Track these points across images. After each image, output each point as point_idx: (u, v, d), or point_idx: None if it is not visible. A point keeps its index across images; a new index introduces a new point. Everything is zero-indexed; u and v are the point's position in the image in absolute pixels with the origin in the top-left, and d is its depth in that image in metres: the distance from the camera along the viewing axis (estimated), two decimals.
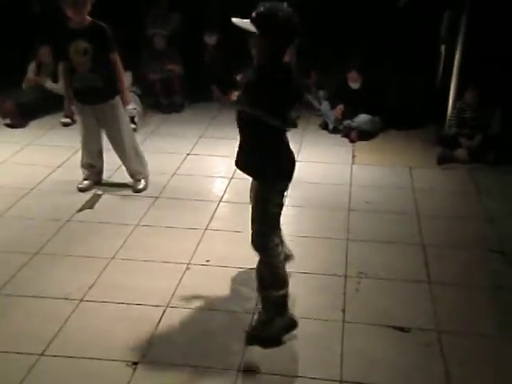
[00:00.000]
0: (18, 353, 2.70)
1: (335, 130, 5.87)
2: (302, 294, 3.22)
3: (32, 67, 6.18)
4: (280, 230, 3.01)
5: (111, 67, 4.09)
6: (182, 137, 5.68)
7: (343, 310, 3.07)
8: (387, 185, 4.73)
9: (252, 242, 2.78)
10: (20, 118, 5.80)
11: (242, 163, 2.79)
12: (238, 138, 2.76)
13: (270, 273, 2.77)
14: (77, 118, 4.41)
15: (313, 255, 3.61)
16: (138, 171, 4.46)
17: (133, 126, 5.33)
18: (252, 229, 2.79)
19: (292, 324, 2.83)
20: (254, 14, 2.50)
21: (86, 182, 4.42)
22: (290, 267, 3.41)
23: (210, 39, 6.81)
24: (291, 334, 2.84)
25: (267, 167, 2.70)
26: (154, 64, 6.47)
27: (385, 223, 4.07)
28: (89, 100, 4.15)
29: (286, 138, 2.73)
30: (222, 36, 6.70)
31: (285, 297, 2.80)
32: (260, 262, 2.79)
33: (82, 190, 4.37)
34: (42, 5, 7.07)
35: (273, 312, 2.80)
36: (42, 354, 2.69)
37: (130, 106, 4.68)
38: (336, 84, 6.13)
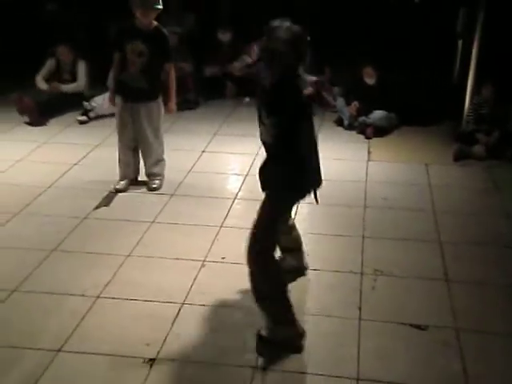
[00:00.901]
0: (36, 349, 2.73)
1: (350, 127, 5.85)
2: (317, 291, 3.22)
3: (49, 65, 6.19)
4: (298, 241, 3.09)
5: (161, 73, 4.23)
6: (197, 134, 5.69)
7: (359, 308, 3.05)
8: (403, 181, 4.70)
9: (248, 246, 2.69)
10: (39, 116, 5.84)
11: (259, 171, 2.77)
12: (259, 138, 2.77)
13: (266, 282, 2.67)
14: (116, 112, 4.44)
15: (328, 252, 3.60)
16: (156, 173, 4.52)
17: None
18: (251, 234, 2.70)
19: (297, 337, 2.72)
20: (288, 35, 2.45)
21: (122, 182, 4.44)
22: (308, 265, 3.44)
23: (224, 36, 6.81)
24: (309, 332, 2.83)
25: (277, 180, 2.65)
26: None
27: (401, 220, 4.04)
28: (131, 98, 4.23)
29: (307, 150, 2.67)
30: (236, 33, 6.70)
31: (284, 308, 2.71)
32: (254, 271, 2.68)
33: (118, 191, 4.39)
34: (58, 3, 7.11)
35: (272, 322, 2.72)
36: (59, 350, 2.72)
37: None
38: (351, 80, 6.10)
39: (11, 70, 6.61)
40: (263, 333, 2.74)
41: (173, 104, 4.39)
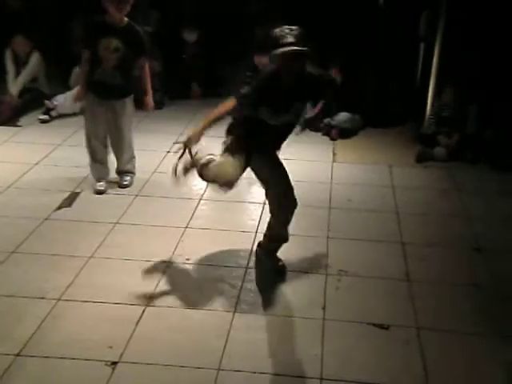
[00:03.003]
0: None
1: (316, 129, 5.86)
2: (282, 291, 3.23)
3: (10, 65, 5.96)
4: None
5: (135, 69, 4.19)
6: (163, 134, 5.64)
7: (323, 308, 3.08)
8: (367, 183, 4.76)
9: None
10: (13, 116, 5.66)
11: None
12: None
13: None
14: (85, 109, 4.36)
15: (293, 253, 3.60)
16: (129, 170, 4.49)
17: None
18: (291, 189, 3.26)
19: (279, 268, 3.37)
20: (294, 37, 2.83)
21: (102, 183, 4.35)
22: None
23: (190, 36, 6.77)
24: (270, 332, 2.84)
25: None
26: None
27: (365, 221, 4.09)
28: (105, 95, 4.16)
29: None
30: (202, 32, 6.67)
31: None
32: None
33: (100, 193, 4.30)
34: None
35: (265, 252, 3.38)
36: (18, 355, 2.65)
37: None
38: None
39: None
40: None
41: (150, 98, 4.34)
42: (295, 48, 2.83)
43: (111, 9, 3.96)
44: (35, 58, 5.97)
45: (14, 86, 5.85)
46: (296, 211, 4.14)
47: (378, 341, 2.86)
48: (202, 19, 6.78)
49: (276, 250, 3.44)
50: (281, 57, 2.88)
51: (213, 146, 3.23)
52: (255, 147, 3.11)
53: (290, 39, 2.84)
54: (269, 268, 3.40)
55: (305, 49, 2.87)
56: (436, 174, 5.00)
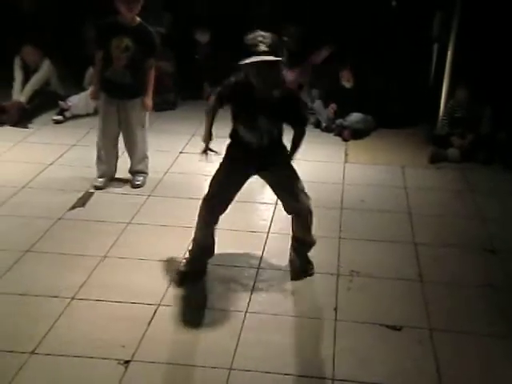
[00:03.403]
0: (8, 351, 2.68)
1: (327, 129, 5.88)
2: (293, 292, 3.23)
3: (19, 74, 5.98)
4: None
5: (145, 69, 4.20)
6: (175, 134, 5.66)
7: (335, 309, 3.07)
8: (380, 183, 4.74)
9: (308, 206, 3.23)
10: (22, 119, 5.70)
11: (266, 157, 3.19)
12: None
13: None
14: (99, 108, 4.40)
15: None
16: (141, 170, 4.51)
17: None
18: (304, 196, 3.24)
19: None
20: (267, 46, 2.75)
21: (101, 180, 4.39)
22: (283, 265, 3.45)
23: (202, 37, 6.79)
24: (282, 332, 2.85)
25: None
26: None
27: (378, 222, 4.07)
28: (115, 94, 4.21)
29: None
30: (214, 33, 6.69)
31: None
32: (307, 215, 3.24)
33: (98, 188, 4.35)
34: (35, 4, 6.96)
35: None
36: (32, 353, 2.67)
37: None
38: (329, 83, 6.13)
39: None
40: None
41: (149, 99, 4.34)
42: (266, 58, 2.72)
43: (122, 8, 4.01)
44: (46, 66, 6.00)
45: (22, 94, 5.85)
46: None
47: (391, 342, 2.85)
48: (214, 20, 6.80)
49: None
50: (250, 67, 2.78)
51: None
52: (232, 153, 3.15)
53: (263, 48, 2.73)
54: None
55: (277, 59, 2.75)
56: (449, 174, 4.97)
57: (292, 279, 3.34)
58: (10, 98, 5.85)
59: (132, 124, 4.31)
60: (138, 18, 4.13)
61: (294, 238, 3.40)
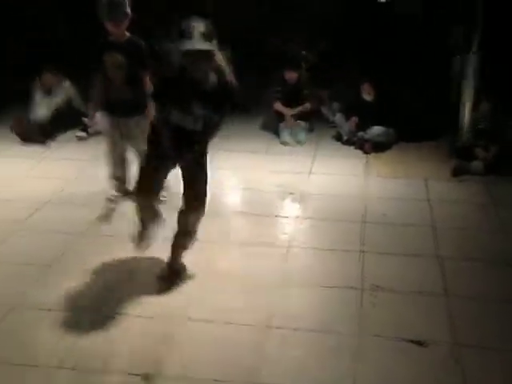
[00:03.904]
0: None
1: (349, 142, 5.86)
2: (317, 307, 3.20)
3: (37, 91, 6.09)
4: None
5: (142, 84, 4.16)
6: None
7: (358, 324, 3.03)
8: (402, 197, 4.69)
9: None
10: (39, 135, 5.81)
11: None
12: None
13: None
14: (104, 128, 4.43)
15: (328, 268, 3.58)
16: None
17: None
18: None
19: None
20: (202, 35, 2.76)
21: (114, 194, 4.44)
22: (305, 280, 3.42)
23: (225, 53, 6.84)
24: (305, 347, 2.82)
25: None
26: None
27: (401, 235, 4.03)
28: (119, 112, 4.22)
29: None
30: (239, 50, 6.74)
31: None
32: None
33: (111, 201, 4.40)
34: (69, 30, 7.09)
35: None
36: (59, 367, 2.69)
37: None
38: (350, 96, 6.13)
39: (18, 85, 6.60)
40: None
41: (151, 111, 4.10)
42: (196, 48, 2.76)
43: (109, 26, 4.00)
44: (66, 88, 6.11)
45: (40, 113, 5.98)
46: (330, 225, 4.16)
47: (416, 358, 2.80)
48: (229, 35, 6.85)
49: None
50: (181, 54, 2.81)
51: None
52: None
53: (195, 35, 2.75)
54: None
55: (208, 48, 2.80)
56: (473, 187, 4.90)
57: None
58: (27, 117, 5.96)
59: (138, 139, 4.20)
60: (127, 33, 4.09)
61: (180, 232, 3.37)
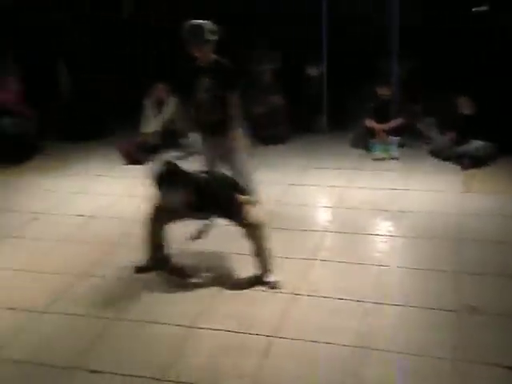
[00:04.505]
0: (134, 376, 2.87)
1: (445, 157, 5.69)
2: (410, 328, 3.13)
3: (149, 105, 6.55)
4: None
5: (231, 104, 4.25)
6: (287, 167, 5.78)
7: (454, 347, 2.93)
8: (502, 213, 4.48)
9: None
10: (139, 157, 6.16)
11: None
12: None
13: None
14: (199, 149, 4.59)
15: (422, 288, 3.50)
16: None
17: None
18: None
19: None
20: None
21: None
22: (397, 300, 3.37)
23: (313, 70, 6.92)
24: (398, 369, 2.77)
25: None
26: (258, 98, 6.66)
27: (499, 254, 3.85)
28: (208, 133, 4.36)
29: None
30: (325, 67, 6.80)
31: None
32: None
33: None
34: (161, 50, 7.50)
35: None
36: (159, 380, 2.82)
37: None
38: (445, 110, 5.96)
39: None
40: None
41: (237, 132, 4.31)
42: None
43: (193, 51, 4.12)
44: (173, 103, 6.48)
45: (150, 127, 6.37)
46: (424, 243, 4.05)
47: None
48: (323, 55, 6.91)
49: None
50: None
51: None
52: None
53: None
54: None
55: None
56: None
57: None
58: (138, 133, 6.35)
59: (230, 157, 4.35)
60: (214, 56, 4.19)
61: None
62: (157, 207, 3.70)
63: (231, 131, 4.30)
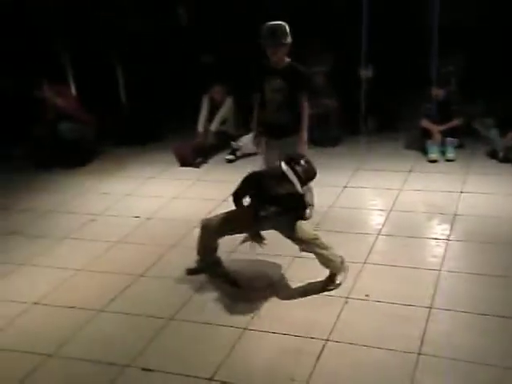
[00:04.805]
0: (185, 375, 2.89)
1: (505, 159, 5.49)
2: (464, 335, 3.04)
3: (206, 105, 6.61)
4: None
5: (299, 107, 4.30)
6: (339, 169, 5.71)
7: (508, 355, 2.81)
8: None
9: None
10: (193, 160, 6.23)
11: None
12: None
13: None
14: (261, 150, 4.62)
15: (476, 294, 3.39)
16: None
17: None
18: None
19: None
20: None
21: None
22: (457, 306, 3.27)
23: (366, 72, 6.83)
24: (457, 379, 2.67)
25: None
26: (310, 100, 6.61)
27: None
28: (273, 134, 4.39)
29: None
30: (377, 69, 6.69)
31: None
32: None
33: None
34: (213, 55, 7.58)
35: None
36: (210, 379, 2.84)
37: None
38: (505, 110, 5.76)
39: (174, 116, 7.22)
40: None
41: (304, 135, 4.34)
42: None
43: (268, 53, 4.19)
44: (229, 103, 6.59)
45: (210, 126, 6.48)
46: (482, 248, 3.91)
47: None
48: (377, 56, 6.81)
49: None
50: None
51: None
52: None
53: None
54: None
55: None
56: None
57: None
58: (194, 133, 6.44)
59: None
60: (288, 59, 4.23)
61: None
62: (223, 221, 3.67)
63: (299, 133, 4.31)
